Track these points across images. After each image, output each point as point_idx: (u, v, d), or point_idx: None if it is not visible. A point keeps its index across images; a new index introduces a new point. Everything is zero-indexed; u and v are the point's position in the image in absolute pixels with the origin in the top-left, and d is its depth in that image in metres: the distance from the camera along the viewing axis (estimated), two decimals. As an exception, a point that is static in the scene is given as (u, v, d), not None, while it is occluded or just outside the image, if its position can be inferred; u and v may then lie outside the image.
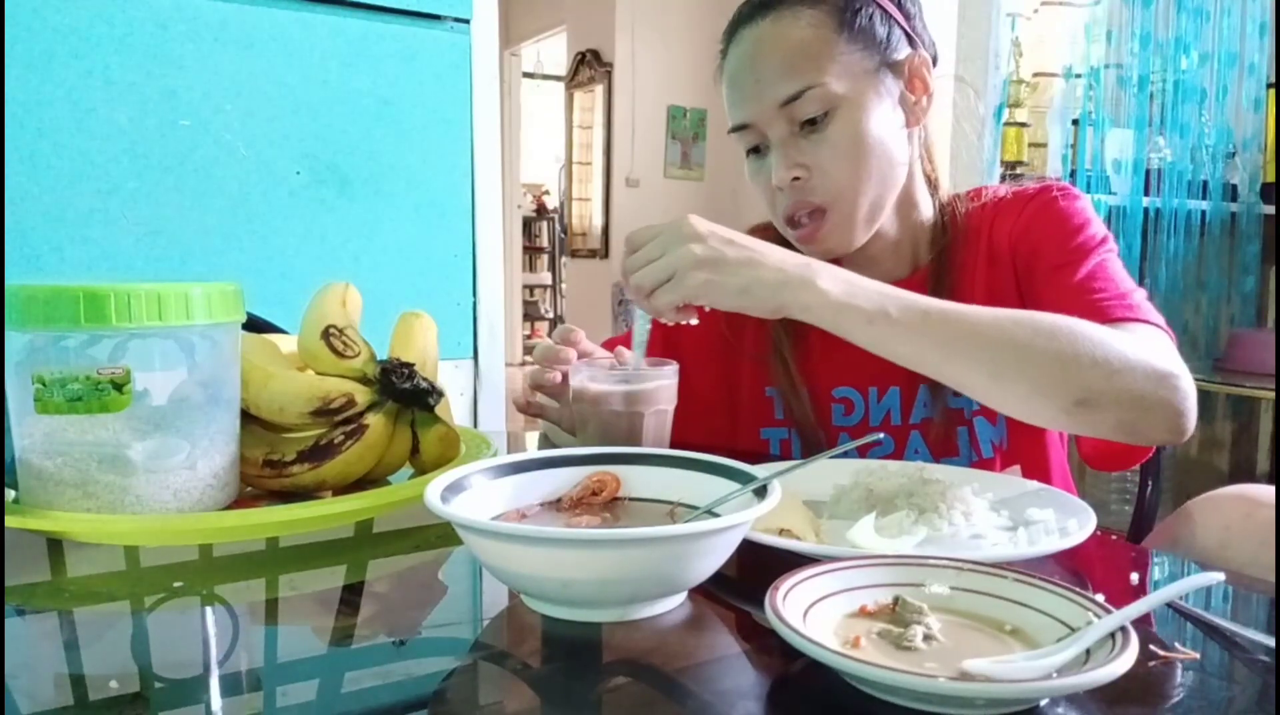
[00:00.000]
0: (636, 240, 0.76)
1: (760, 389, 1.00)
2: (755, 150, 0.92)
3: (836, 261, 0.79)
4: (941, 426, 0.92)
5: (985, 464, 0.91)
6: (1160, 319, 0.81)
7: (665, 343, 0.98)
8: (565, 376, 0.82)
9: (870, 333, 0.71)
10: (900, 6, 0.90)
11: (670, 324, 0.77)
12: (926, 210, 0.97)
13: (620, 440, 0.77)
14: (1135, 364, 0.71)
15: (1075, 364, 0.70)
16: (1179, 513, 0.79)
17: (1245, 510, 0.74)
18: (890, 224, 0.93)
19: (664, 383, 0.78)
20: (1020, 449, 0.92)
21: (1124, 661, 0.39)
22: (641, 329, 0.79)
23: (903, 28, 0.90)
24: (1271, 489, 0.76)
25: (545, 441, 0.96)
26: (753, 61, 0.87)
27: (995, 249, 0.93)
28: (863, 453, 0.82)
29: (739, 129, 0.90)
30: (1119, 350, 0.71)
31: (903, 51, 0.90)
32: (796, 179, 0.87)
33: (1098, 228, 0.89)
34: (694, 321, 0.77)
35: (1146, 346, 0.74)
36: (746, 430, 1.01)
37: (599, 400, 0.77)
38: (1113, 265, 0.87)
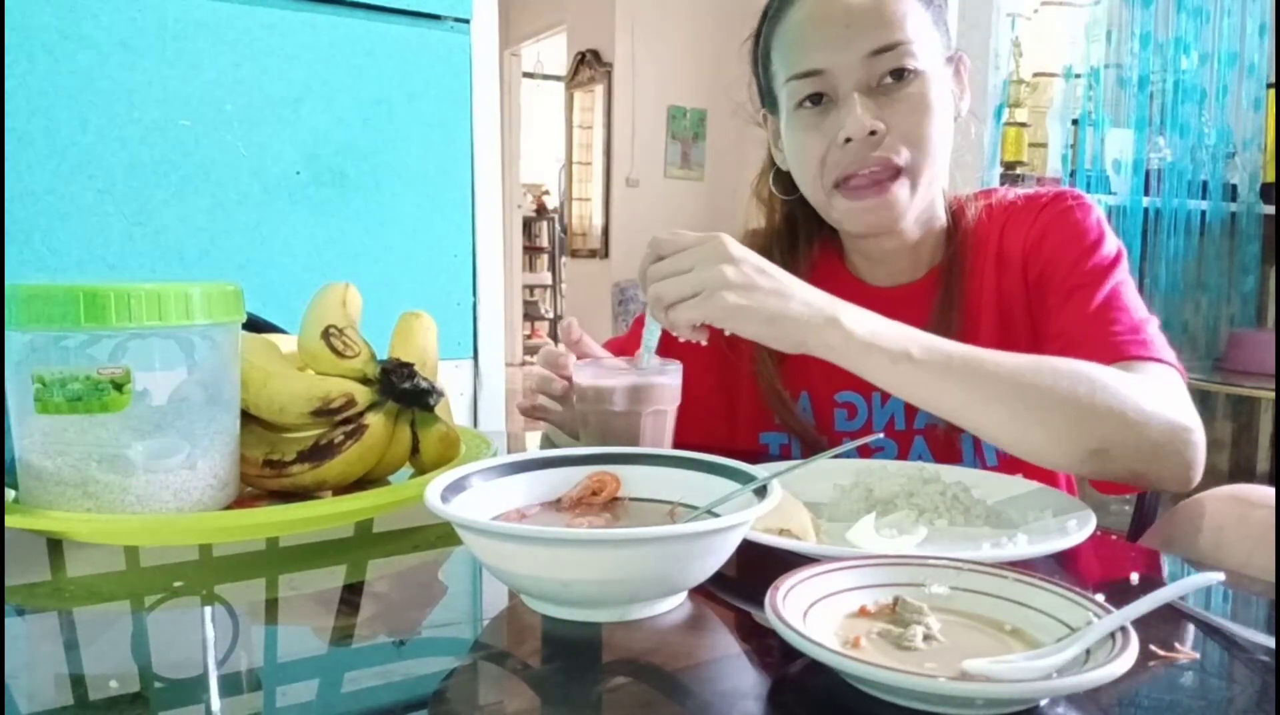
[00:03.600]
0: (663, 248, 0.73)
1: (759, 394, 0.99)
2: (811, 102, 0.88)
3: (853, 293, 0.77)
4: (945, 432, 0.92)
5: (988, 470, 0.91)
6: (1172, 356, 0.81)
7: (667, 347, 0.98)
8: (569, 381, 0.82)
9: (893, 374, 0.71)
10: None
11: (681, 340, 0.75)
12: (940, 212, 0.97)
13: (620, 440, 0.76)
14: (1151, 416, 0.71)
15: (1093, 413, 0.70)
16: (1172, 513, 0.79)
17: (1239, 512, 0.74)
18: (914, 222, 0.93)
19: (665, 383, 0.78)
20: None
21: (1124, 661, 0.39)
22: (651, 334, 0.78)
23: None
24: (1265, 489, 0.76)
25: (547, 442, 0.96)
26: (845, 6, 0.85)
27: (1006, 254, 0.93)
28: (865, 454, 0.81)
29: (806, 75, 0.87)
30: (1136, 401, 0.71)
31: (952, 48, 0.92)
32: (873, 134, 0.84)
33: (1111, 244, 0.89)
34: (704, 341, 0.76)
35: (1162, 395, 0.74)
36: (746, 435, 1.01)
37: (599, 399, 0.77)
38: (1127, 291, 0.87)
